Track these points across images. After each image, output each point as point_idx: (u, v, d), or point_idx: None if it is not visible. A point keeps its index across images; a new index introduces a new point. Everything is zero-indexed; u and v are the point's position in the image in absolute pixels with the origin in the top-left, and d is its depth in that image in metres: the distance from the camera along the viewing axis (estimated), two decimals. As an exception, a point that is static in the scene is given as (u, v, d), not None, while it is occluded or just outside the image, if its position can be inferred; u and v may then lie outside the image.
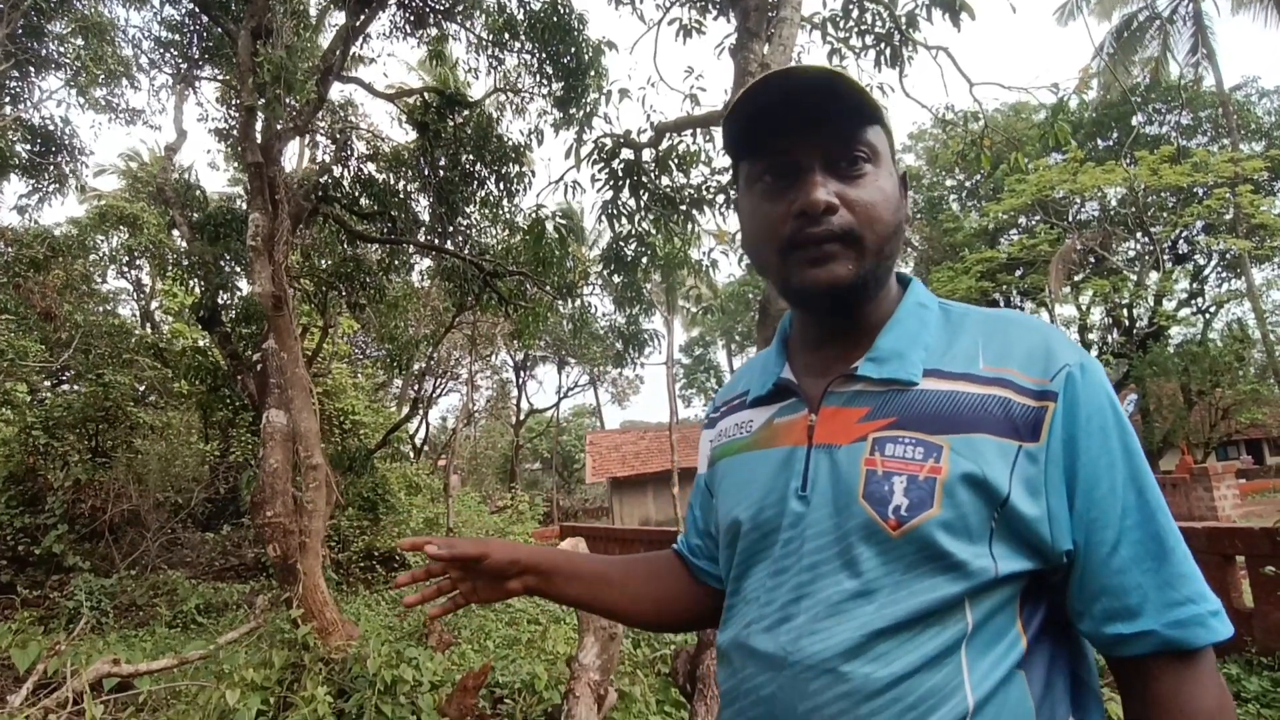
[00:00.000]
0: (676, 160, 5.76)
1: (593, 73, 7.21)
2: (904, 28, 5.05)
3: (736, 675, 0.85)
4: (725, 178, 6.21)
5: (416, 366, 15.02)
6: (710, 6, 5.55)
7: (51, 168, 8.79)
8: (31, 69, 8.60)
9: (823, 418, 0.84)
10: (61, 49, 8.48)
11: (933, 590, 0.74)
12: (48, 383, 13.02)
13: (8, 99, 8.84)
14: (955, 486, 0.74)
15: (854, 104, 0.79)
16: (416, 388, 17.44)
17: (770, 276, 0.89)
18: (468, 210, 8.51)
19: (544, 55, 7.07)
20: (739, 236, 0.97)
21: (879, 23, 5.26)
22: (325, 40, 8.07)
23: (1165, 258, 20.85)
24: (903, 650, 0.73)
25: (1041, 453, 0.74)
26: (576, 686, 2.23)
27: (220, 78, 8.42)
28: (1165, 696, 0.73)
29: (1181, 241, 20.91)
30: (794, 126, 0.81)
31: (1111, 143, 21.09)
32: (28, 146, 8.57)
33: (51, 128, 8.63)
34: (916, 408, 0.78)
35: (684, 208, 6.21)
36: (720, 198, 6.28)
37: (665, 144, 5.70)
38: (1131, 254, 21.67)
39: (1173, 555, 0.73)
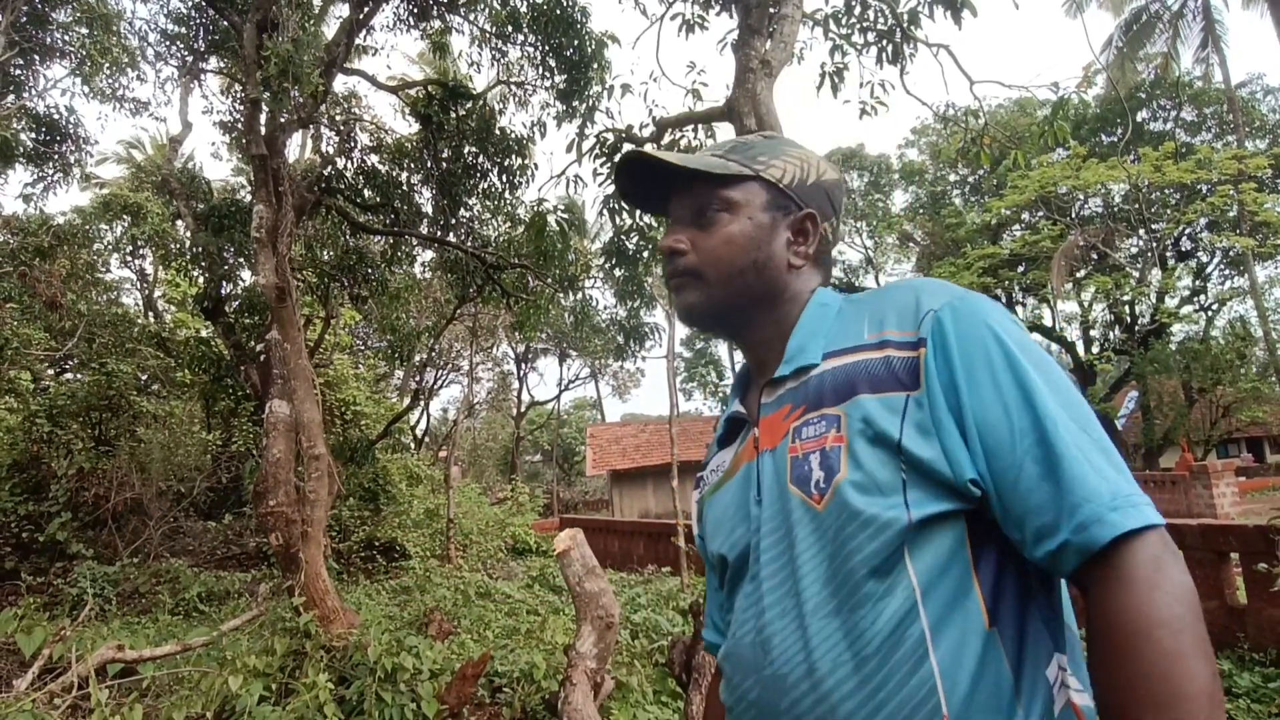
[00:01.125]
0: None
1: (595, 66, 7.22)
2: (905, 25, 5.05)
3: (731, 684, 0.88)
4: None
5: (418, 358, 15.05)
6: (713, 2, 5.55)
7: (56, 157, 8.81)
8: (36, 57, 8.60)
9: (762, 429, 0.92)
10: (66, 38, 8.48)
11: (857, 553, 0.76)
12: (51, 371, 13.08)
13: (11, 87, 8.85)
14: (855, 446, 0.79)
15: (698, 176, 0.96)
16: (418, 379, 17.48)
17: None
18: (470, 202, 8.53)
19: (547, 48, 7.08)
20: None
21: (880, 19, 5.26)
22: (327, 29, 8.08)
23: (1168, 255, 20.82)
24: (857, 629, 0.75)
25: (925, 397, 0.78)
26: (574, 674, 2.27)
27: (225, 70, 8.42)
28: (1095, 606, 0.69)
29: (1184, 239, 20.87)
30: (672, 188, 1.00)
31: (1115, 138, 21.03)
32: (32, 135, 8.59)
33: (56, 116, 8.65)
34: (819, 389, 0.86)
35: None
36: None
37: (667, 139, 5.72)
38: (1134, 251, 21.63)
39: (1063, 460, 0.71)
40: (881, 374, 0.81)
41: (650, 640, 5.72)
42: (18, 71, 8.54)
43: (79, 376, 11.86)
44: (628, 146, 5.73)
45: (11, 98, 8.54)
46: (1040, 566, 0.74)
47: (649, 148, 1.05)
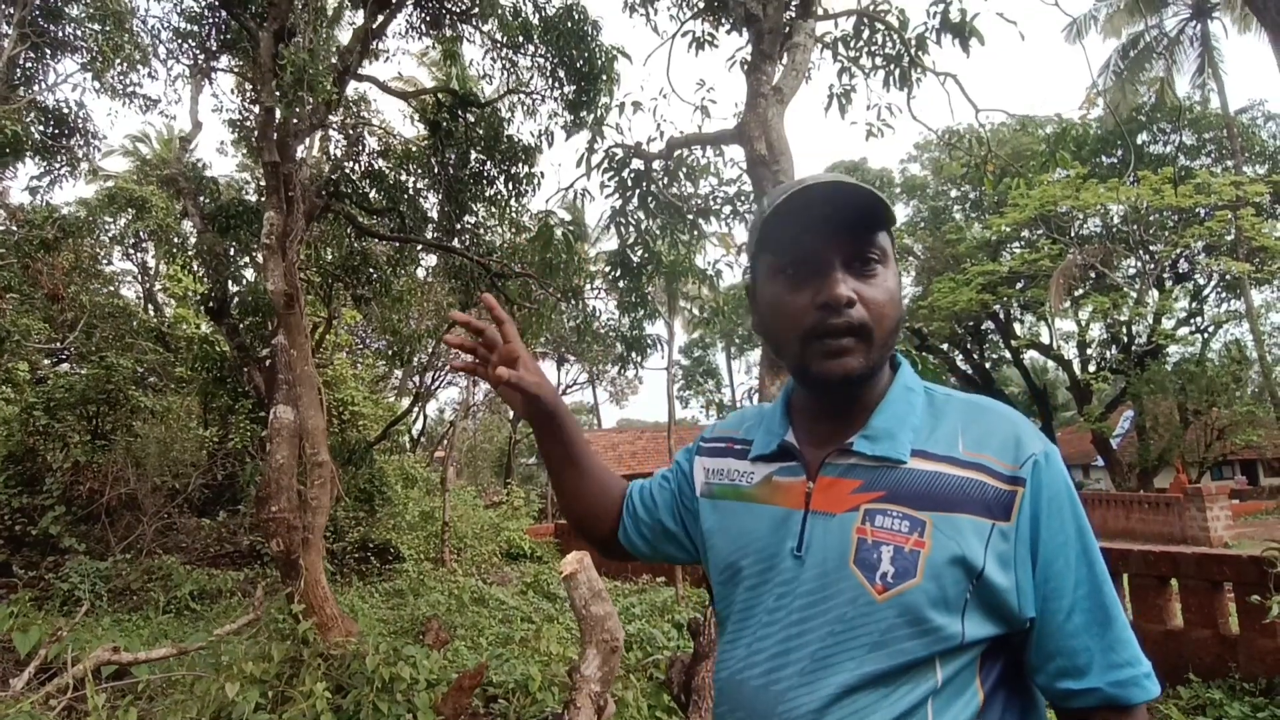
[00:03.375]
0: (685, 171, 5.82)
1: (605, 78, 7.27)
2: (913, 51, 5.10)
3: (728, 715, 0.93)
4: (732, 189, 6.27)
5: (417, 359, 15.05)
6: (723, 21, 5.60)
7: (64, 151, 8.81)
8: (48, 51, 8.61)
9: (820, 486, 0.92)
10: (79, 33, 8.50)
11: (907, 653, 0.82)
12: (47, 361, 13.05)
13: (22, 80, 8.85)
14: (938, 561, 0.83)
15: (873, 213, 0.89)
16: (417, 381, 17.46)
17: (787, 360, 0.96)
18: (475, 209, 8.56)
19: (558, 60, 7.12)
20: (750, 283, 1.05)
21: (889, 44, 5.31)
22: (341, 35, 8.11)
23: (1166, 276, 20.92)
24: (878, 706, 0.82)
25: (1012, 531, 0.84)
26: (578, 698, 2.30)
27: (236, 70, 8.45)
28: None
29: (1182, 261, 20.97)
30: (819, 227, 0.89)
31: (1115, 160, 21.14)
32: (41, 128, 8.59)
33: (66, 111, 8.65)
34: (904, 484, 0.87)
35: (691, 216, 6.27)
36: (727, 208, 6.33)
37: (675, 154, 5.76)
38: (1132, 271, 21.73)
39: (1115, 624, 0.85)
40: (975, 497, 0.85)
41: (645, 653, 5.74)
42: (29, 65, 8.54)
43: (76, 369, 11.83)
44: (636, 162, 5.79)
45: (22, 91, 8.55)
46: (1041, 688, 0.88)
47: (820, 176, 0.88)
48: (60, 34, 8.55)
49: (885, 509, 0.86)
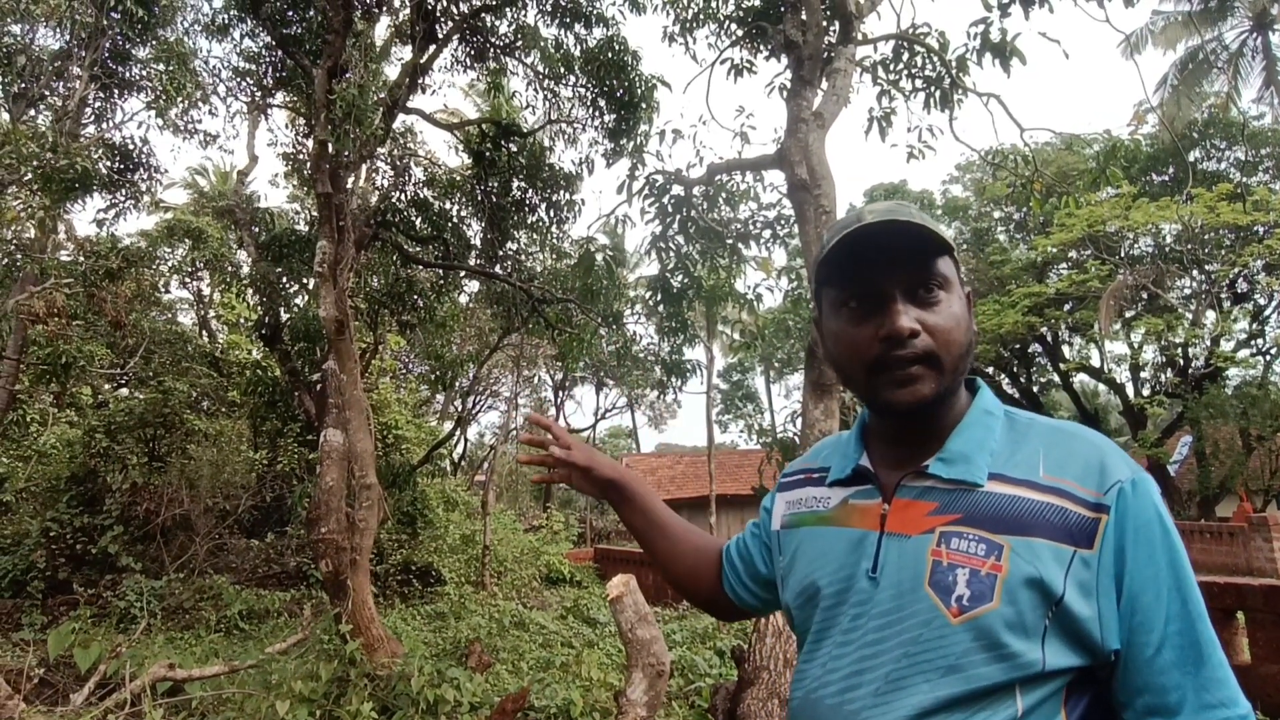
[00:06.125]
0: (725, 196, 5.87)
1: (644, 106, 7.39)
2: (954, 73, 5.09)
3: None
4: (772, 213, 6.29)
5: (459, 384, 15.27)
6: (762, 48, 5.66)
7: (129, 184, 9.25)
8: (115, 91, 9.10)
9: (895, 508, 0.92)
10: (145, 73, 8.97)
11: (983, 678, 0.81)
12: (108, 386, 13.58)
13: (91, 119, 9.35)
14: (1015, 586, 0.81)
15: (928, 242, 0.90)
16: (458, 405, 17.70)
17: (857, 391, 0.97)
18: (517, 235, 8.73)
19: (598, 89, 7.27)
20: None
21: (929, 67, 5.31)
22: (389, 70, 8.41)
23: (1223, 296, 20.20)
24: None
25: (1095, 559, 0.82)
26: (624, 722, 2.30)
27: (290, 106, 8.81)
28: None
29: (1240, 280, 20.22)
30: (877, 260, 0.91)
31: (1167, 178, 20.59)
32: (108, 164, 9.04)
33: (131, 147, 9.10)
34: (981, 507, 0.86)
35: (731, 241, 6.31)
36: (766, 232, 6.36)
37: (715, 180, 5.82)
38: (1187, 292, 21.03)
39: (1209, 661, 0.81)
40: (1055, 523, 0.83)
41: (686, 680, 5.67)
42: (98, 104, 9.03)
43: (136, 393, 12.28)
44: (676, 188, 5.86)
45: (91, 129, 9.03)
46: None
47: (876, 208, 0.90)
48: (127, 75, 9.03)
49: (961, 532, 0.85)
